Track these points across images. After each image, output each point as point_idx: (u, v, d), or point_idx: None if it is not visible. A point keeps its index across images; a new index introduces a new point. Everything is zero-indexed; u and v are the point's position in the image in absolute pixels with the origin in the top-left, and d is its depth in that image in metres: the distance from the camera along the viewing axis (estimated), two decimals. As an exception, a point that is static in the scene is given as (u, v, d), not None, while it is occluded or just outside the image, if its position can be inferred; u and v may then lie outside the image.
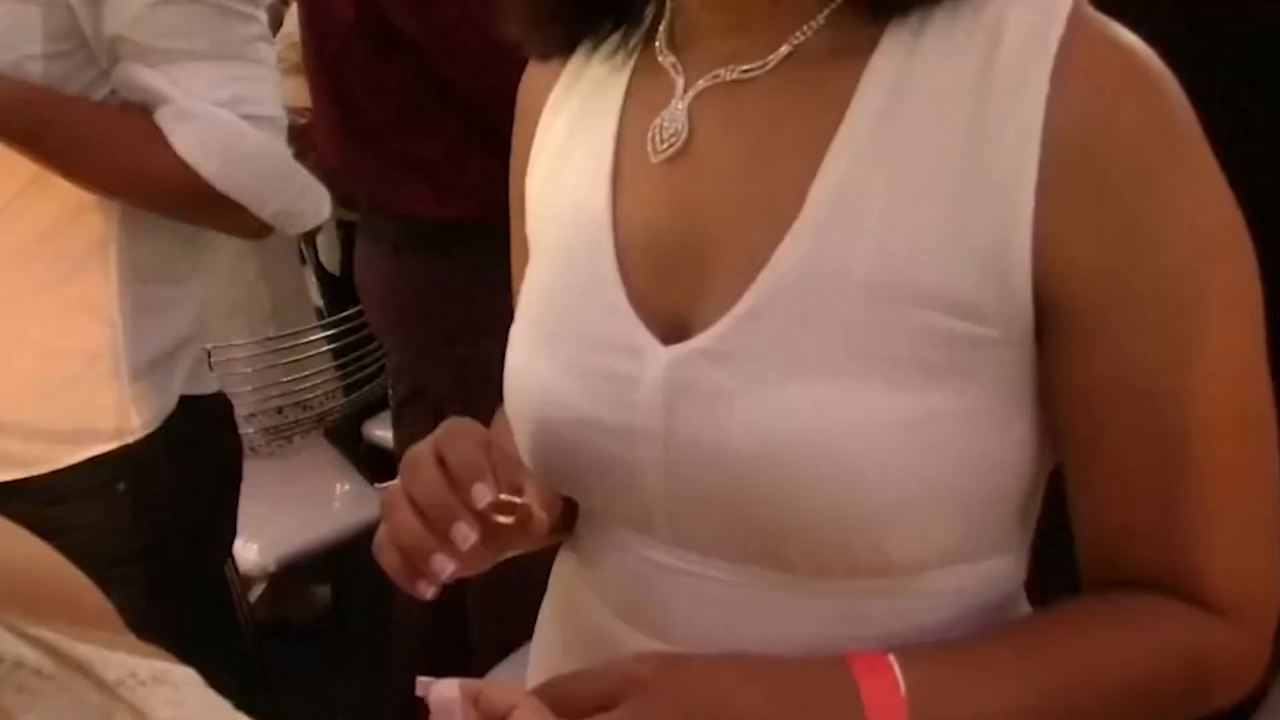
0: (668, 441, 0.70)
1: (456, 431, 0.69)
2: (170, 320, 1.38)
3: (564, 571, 0.88)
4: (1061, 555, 0.73)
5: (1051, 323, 0.65)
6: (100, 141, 1.23)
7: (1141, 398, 0.65)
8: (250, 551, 2.28)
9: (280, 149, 1.31)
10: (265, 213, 1.30)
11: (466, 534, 0.66)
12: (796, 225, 0.67)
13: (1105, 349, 0.65)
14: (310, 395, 2.62)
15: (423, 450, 0.68)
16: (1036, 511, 0.75)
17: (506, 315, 0.85)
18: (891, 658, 0.64)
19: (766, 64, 0.71)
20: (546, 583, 0.91)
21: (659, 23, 0.79)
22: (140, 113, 1.26)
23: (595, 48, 0.82)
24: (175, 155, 1.23)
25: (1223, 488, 0.66)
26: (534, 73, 0.89)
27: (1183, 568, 0.67)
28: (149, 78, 1.23)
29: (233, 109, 1.26)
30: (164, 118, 1.24)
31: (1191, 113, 0.64)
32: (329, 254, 3.07)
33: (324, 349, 2.61)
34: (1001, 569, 0.74)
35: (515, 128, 0.90)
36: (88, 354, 1.31)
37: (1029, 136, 0.62)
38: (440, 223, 1.88)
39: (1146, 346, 0.64)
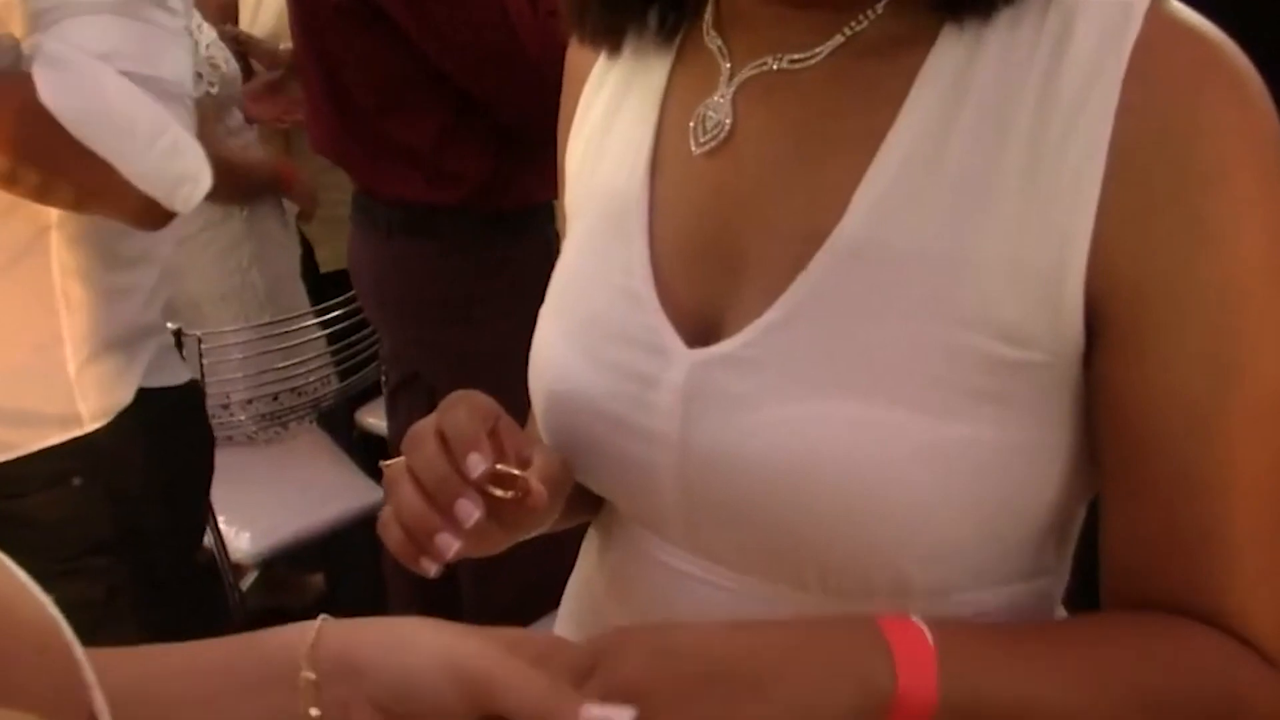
0: (684, 447, 0.68)
1: (455, 401, 0.67)
2: (120, 309, 1.35)
3: (589, 549, 0.87)
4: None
5: (1098, 338, 0.62)
6: None
7: (1191, 423, 0.61)
8: (242, 540, 2.26)
9: (149, 104, 1.20)
10: (133, 172, 1.18)
11: (470, 511, 0.64)
12: (837, 231, 0.65)
13: (1151, 366, 0.61)
14: (305, 381, 2.60)
15: (424, 425, 0.66)
16: (1076, 534, 0.72)
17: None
18: (917, 619, 0.61)
19: (818, 54, 0.68)
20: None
21: (707, 1, 0.76)
22: (13, 73, 1.18)
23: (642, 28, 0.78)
24: (34, 99, 1.14)
25: (1266, 524, 0.62)
26: (579, 43, 0.86)
27: (1223, 606, 0.63)
28: (36, 39, 1.17)
29: (110, 62, 1.17)
30: (35, 67, 1.16)
31: (1274, 116, 0.61)
32: None
33: (318, 335, 2.59)
34: (1033, 592, 0.70)
35: (562, 97, 0.87)
36: (35, 343, 1.29)
37: (1095, 151, 0.59)
38: (432, 208, 1.86)
39: (1195, 365, 0.60)
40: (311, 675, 0.56)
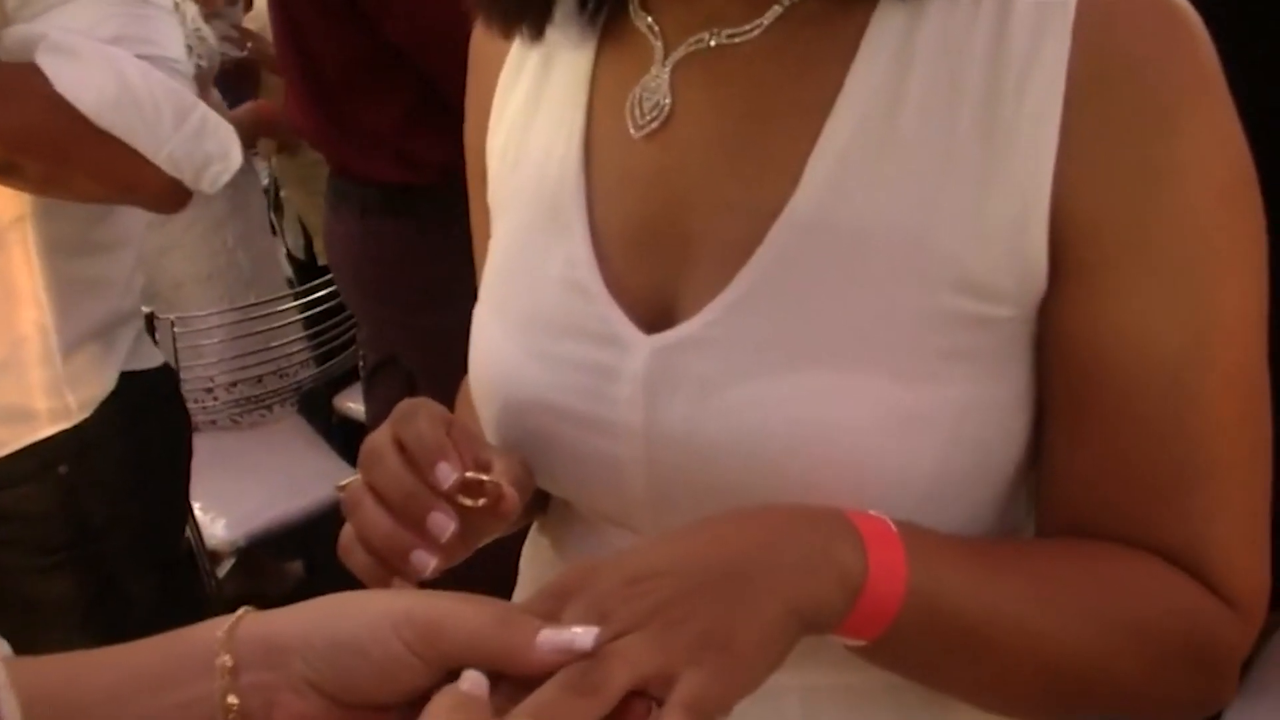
0: (649, 436, 0.66)
1: (410, 411, 0.63)
2: (100, 296, 1.32)
3: (536, 557, 0.83)
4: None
5: (1058, 281, 0.61)
6: None
7: (1148, 357, 0.61)
8: (219, 527, 2.26)
9: (172, 85, 1.19)
10: (161, 155, 1.17)
11: (445, 524, 0.60)
12: (792, 203, 0.63)
13: (1113, 304, 0.60)
14: (289, 364, 2.59)
15: (381, 439, 0.62)
16: None
17: (473, 280, 0.80)
18: (876, 512, 0.59)
19: (758, 26, 0.66)
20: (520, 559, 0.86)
21: None
22: (18, 63, 1.15)
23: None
24: (53, 91, 1.12)
25: (1227, 465, 0.62)
26: (487, 29, 0.81)
27: (1185, 548, 0.62)
28: (28, 29, 1.14)
29: (121, 47, 1.15)
30: (41, 57, 1.13)
31: (1216, 57, 0.61)
32: (293, 237, 3.08)
33: (297, 318, 2.57)
34: None
35: (469, 86, 0.83)
36: (16, 337, 1.25)
37: (1051, 98, 0.59)
38: (405, 187, 1.85)
39: (1157, 302, 0.60)
40: (228, 660, 0.52)
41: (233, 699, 0.51)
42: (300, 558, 2.80)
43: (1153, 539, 0.62)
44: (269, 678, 0.52)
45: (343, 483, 0.64)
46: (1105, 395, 0.62)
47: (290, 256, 3.14)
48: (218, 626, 0.53)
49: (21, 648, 1.34)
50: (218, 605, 2.20)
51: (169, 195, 1.21)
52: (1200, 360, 0.61)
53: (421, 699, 0.51)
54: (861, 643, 0.58)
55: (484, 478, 0.62)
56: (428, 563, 0.61)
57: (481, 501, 0.62)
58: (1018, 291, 0.61)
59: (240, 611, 0.54)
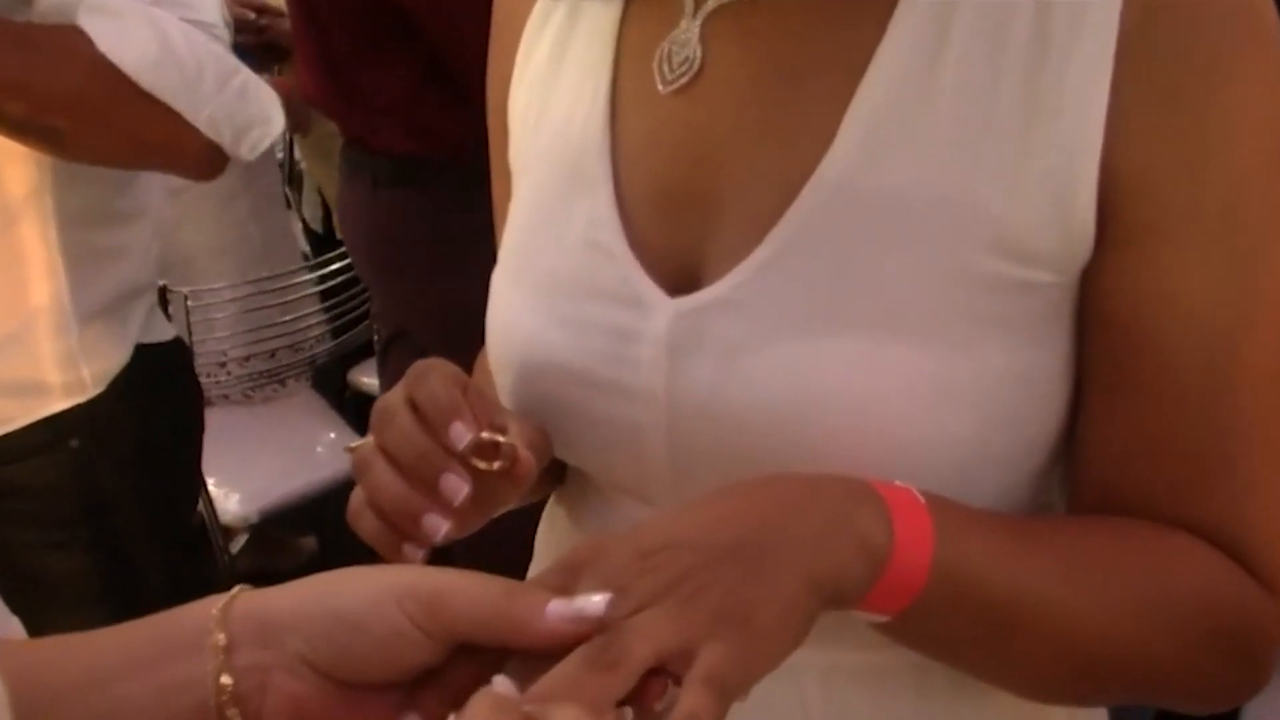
0: (671, 402, 0.64)
1: (424, 371, 0.61)
2: (117, 268, 1.31)
3: (553, 528, 0.82)
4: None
5: (1105, 243, 0.59)
6: (25, 50, 1.10)
7: (1194, 323, 0.59)
8: (232, 502, 2.25)
9: (214, 48, 1.18)
10: (201, 117, 1.16)
11: (459, 486, 0.58)
12: (826, 161, 0.61)
13: (1158, 269, 0.59)
14: (303, 338, 2.58)
15: (393, 399, 0.61)
16: None
17: (487, 252, 0.78)
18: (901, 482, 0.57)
19: None
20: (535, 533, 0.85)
21: None
22: (60, 25, 1.14)
23: None
24: (96, 52, 1.10)
25: (1268, 441, 0.60)
26: None
27: (1222, 526, 0.60)
28: None
29: (162, 9, 1.14)
30: (83, 18, 1.12)
31: (1275, 10, 0.58)
32: (311, 209, 3.07)
33: (313, 290, 2.56)
34: None
35: (493, 39, 0.81)
36: (30, 310, 1.24)
37: (1101, 56, 0.57)
38: (417, 159, 1.83)
39: (1204, 269, 0.58)
40: (221, 639, 0.50)
41: (226, 679, 0.49)
42: (313, 533, 2.80)
43: (1189, 516, 0.61)
44: (263, 656, 0.50)
45: (353, 444, 0.62)
46: (1146, 364, 0.60)
47: (307, 229, 3.13)
48: (212, 605, 0.51)
49: (33, 624, 1.35)
50: (231, 580, 2.18)
51: (206, 160, 1.20)
52: (1246, 327, 0.59)
53: (422, 676, 0.50)
54: (885, 618, 0.56)
55: (499, 439, 0.60)
56: (439, 527, 0.59)
57: (496, 464, 0.60)
58: (1060, 255, 0.59)
59: (235, 589, 0.52)
